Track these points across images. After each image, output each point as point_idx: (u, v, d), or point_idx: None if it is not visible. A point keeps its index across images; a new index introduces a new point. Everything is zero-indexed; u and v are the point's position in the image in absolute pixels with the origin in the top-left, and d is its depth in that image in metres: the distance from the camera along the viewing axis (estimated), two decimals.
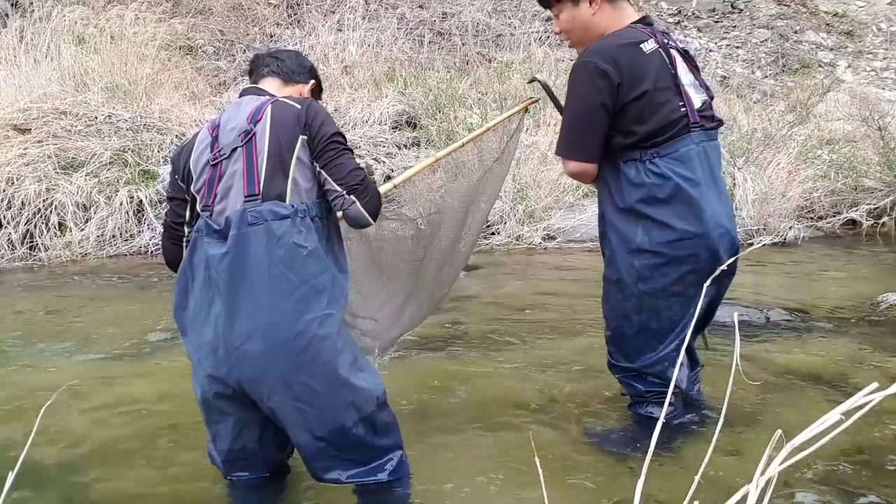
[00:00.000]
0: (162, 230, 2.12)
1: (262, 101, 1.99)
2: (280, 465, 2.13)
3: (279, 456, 2.10)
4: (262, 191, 1.85)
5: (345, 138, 1.98)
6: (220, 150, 1.93)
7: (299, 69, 2.20)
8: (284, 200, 1.86)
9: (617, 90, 2.18)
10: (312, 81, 2.24)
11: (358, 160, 2.04)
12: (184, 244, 2.00)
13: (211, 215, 1.89)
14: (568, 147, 2.32)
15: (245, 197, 1.85)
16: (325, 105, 2.18)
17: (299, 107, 1.95)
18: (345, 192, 1.90)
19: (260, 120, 1.92)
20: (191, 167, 1.97)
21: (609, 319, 2.42)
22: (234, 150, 1.91)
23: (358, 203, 1.91)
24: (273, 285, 1.81)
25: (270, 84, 2.15)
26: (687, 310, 2.29)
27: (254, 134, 1.90)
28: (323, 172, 1.91)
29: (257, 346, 1.81)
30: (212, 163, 1.93)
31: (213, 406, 1.95)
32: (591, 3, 2.26)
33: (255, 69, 2.21)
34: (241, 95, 2.13)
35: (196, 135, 2.04)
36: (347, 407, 1.90)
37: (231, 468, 2.05)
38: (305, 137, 1.91)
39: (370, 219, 1.96)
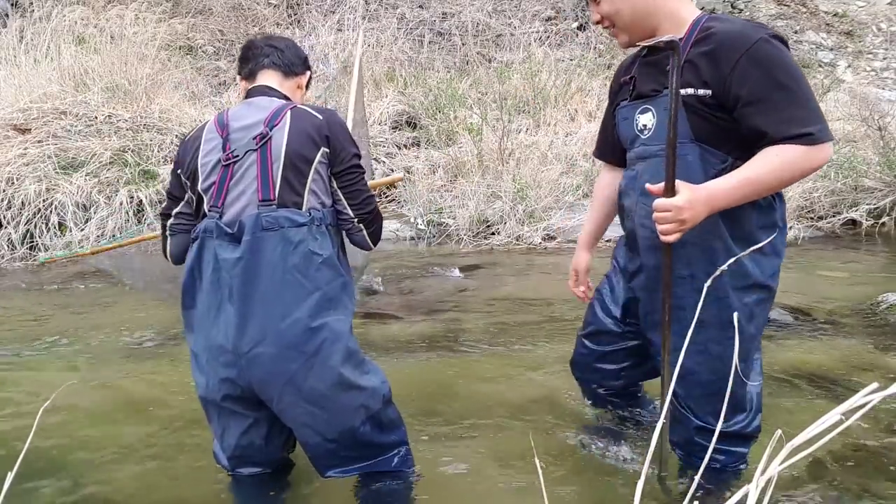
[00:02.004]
0: (160, 225, 2.10)
1: (279, 104, 1.96)
2: (283, 462, 2.14)
3: (282, 454, 2.11)
4: (277, 197, 1.85)
5: (360, 158, 2.01)
6: (232, 151, 1.90)
7: (297, 60, 2.16)
8: (301, 208, 1.86)
9: None
10: (308, 72, 2.23)
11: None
12: (190, 241, 1.96)
13: (220, 216, 1.87)
14: (827, 127, 1.75)
15: (259, 201, 1.85)
16: (323, 104, 2.17)
17: (321, 117, 1.93)
18: (356, 219, 1.97)
19: (277, 125, 1.89)
20: (198, 166, 1.94)
21: (705, 372, 1.93)
22: (248, 152, 1.89)
23: (365, 232, 2.00)
24: (286, 291, 1.82)
25: (271, 77, 2.09)
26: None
27: (269, 138, 1.88)
28: (339, 192, 1.95)
29: (268, 350, 1.82)
30: (223, 163, 1.90)
31: (220, 406, 1.96)
32: None
33: (252, 58, 2.10)
34: (247, 95, 2.07)
35: (201, 131, 1.99)
36: (357, 409, 1.93)
37: (236, 464, 2.06)
38: (327, 151, 1.91)
39: (372, 246, 2.06)
